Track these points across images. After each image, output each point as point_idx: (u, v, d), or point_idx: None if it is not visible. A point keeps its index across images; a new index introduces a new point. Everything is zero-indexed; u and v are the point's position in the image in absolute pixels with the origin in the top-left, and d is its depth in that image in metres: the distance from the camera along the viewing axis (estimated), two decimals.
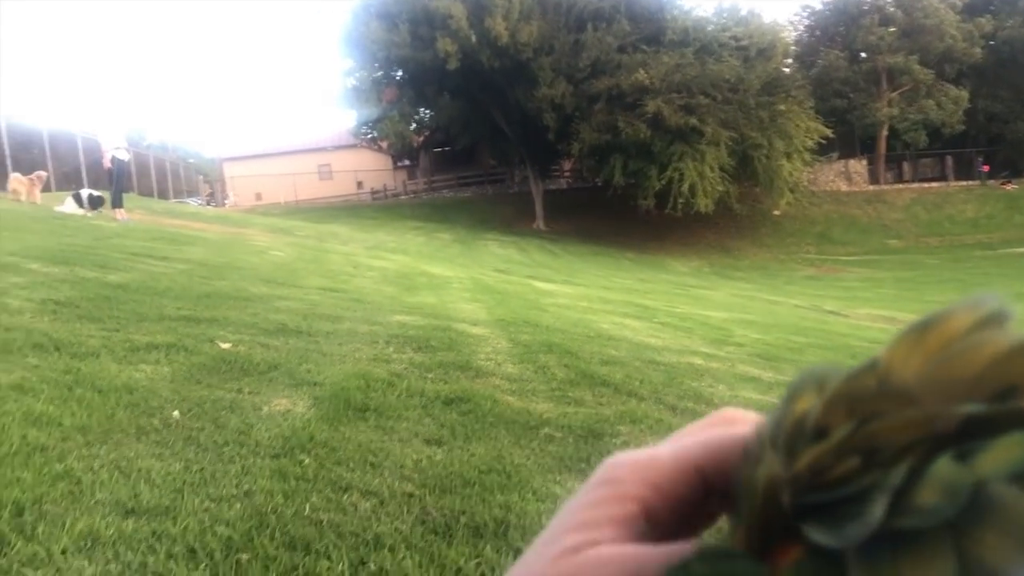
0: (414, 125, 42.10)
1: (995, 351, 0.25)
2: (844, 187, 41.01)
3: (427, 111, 41.52)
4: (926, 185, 41.30)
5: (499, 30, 31.12)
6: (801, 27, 43.84)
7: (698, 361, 5.76)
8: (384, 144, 44.00)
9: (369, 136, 42.55)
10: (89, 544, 1.91)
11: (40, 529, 1.94)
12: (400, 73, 37.15)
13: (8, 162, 22.24)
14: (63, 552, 1.85)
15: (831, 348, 7.84)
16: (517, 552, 2.14)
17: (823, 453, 0.27)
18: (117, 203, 14.59)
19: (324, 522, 2.21)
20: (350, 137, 45.89)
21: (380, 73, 37.24)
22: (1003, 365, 0.25)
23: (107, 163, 14.42)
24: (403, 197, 47.20)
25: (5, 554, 1.82)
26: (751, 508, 0.29)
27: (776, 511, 0.28)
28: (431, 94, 37.44)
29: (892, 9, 39.96)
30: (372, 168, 50.56)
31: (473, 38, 31.44)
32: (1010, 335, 0.26)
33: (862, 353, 7.67)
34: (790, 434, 0.29)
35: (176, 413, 2.98)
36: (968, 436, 0.24)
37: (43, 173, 16.86)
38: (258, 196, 48.68)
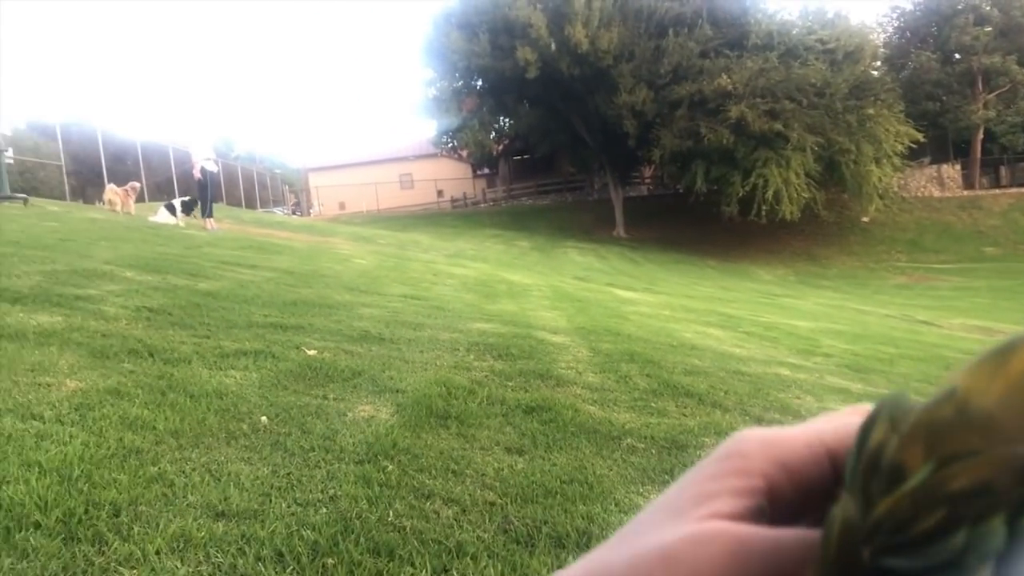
0: (494, 134, 42.41)
1: None
2: (937, 193, 39.59)
3: (507, 119, 41.77)
4: None
5: (579, 38, 31.10)
6: (890, 28, 42.55)
7: (785, 372, 5.62)
8: (464, 153, 44.43)
9: (449, 145, 43.03)
10: (182, 545, 1.96)
11: (136, 530, 2.00)
12: (480, 82, 37.46)
13: (104, 173, 23.20)
14: (157, 552, 1.91)
15: (924, 359, 7.56)
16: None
17: (903, 501, 0.24)
18: (207, 213, 15.09)
19: (407, 528, 2.22)
20: (431, 146, 46.49)
21: (460, 83, 37.63)
22: None
23: (197, 174, 14.94)
24: (482, 205, 47.55)
25: (103, 553, 1.88)
26: (826, 552, 0.27)
27: (854, 562, 0.25)
28: (511, 103, 37.66)
29: (988, 8, 38.43)
30: (452, 177, 51.09)
31: (553, 46, 31.51)
32: None
33: (956, 365, 7.38)
34: (866, 471, 0.27)
35: (264, 418, 3.05)
36: None
37: (136, 184, 17.50)
38: (341, 205, 49.71)
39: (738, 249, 33.20)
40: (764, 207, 29.65)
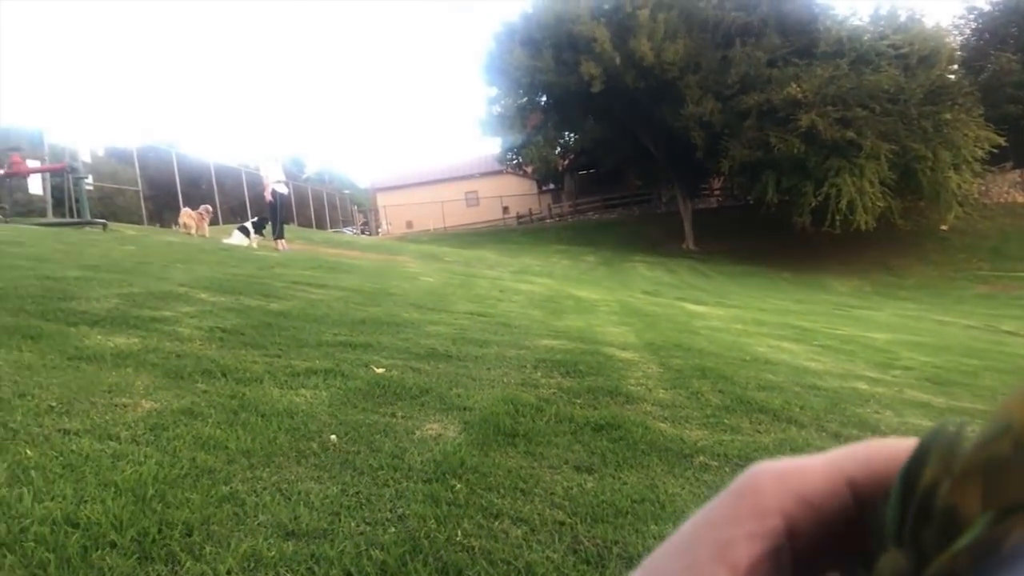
0: (559, 149, 42.43)
1: None
2: (1020, 198, 38.12)
3: (571, 134, 41.76)
4: None
5: (644, 51, 30.96)
6: (967, 30, 41.27)
7: (862, 386, 5.45)
8: (529, 169, 44.53)
9: (514, 162, 43.20)
10: (252, 565, 1.97)
11: (207, 549, 2.01)
12: (544, 98, 37.57)
13: (180, 197, 23.91)
14: (228, 572, 1.92)
15: (1010, 371, 7.26)
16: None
17: (961, 557, 0.23)
18: (279, 234, 15.41)
19: (476, 548, 2.20)
20: (495, 163, 46.78)
21: (524, 99, 37.79)
22: None
23: (268, 196, 15.28)
24: (548, 221, 47.55)
25: (176, 572, 1.90)
26: None
27: None
28: (575, 117, 37.67)
29: None
30: (517, 193, 51.27)
31: (617, 60, 31.42)
32: None
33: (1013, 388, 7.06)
34: (917, 519, 0.24)
35: (333, 437, 3.06)
36: None
37: (208, 207, 18.00)
38: (408, 224, 50.31)
39: (811, 260, 32.49)
40: (838, 217, 28.98)
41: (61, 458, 2.52)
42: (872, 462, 0.29)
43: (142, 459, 2.58)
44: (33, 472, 2.38)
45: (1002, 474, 0.22)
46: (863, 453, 0.30)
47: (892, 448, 0.29)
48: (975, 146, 29.71)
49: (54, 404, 3.10)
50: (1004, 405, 0.23)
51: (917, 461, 0.25)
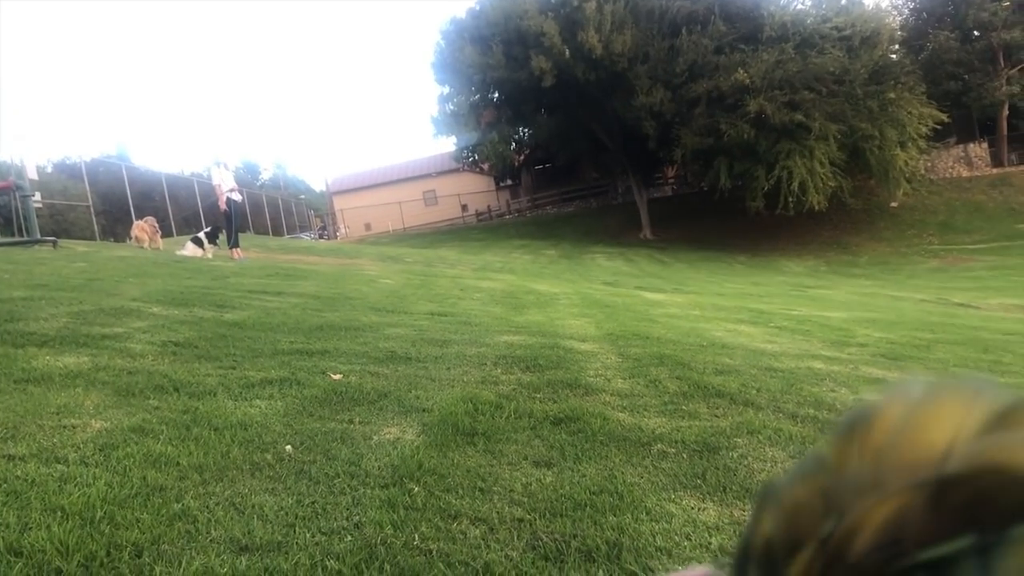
0: (514, 145, 42.45)
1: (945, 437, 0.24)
2: (965, 172, 38.95)
3: (526, 130, 41.82)
4: None
5: (592, 43, 31.10)
6: (906, 11, 42.04)
7: (818, 365, 5.52)
8: (486, 166, 44.55)
9: (470, 159, 43.15)
10: None
11: (158, 569, 1.97)
12: (497, 95, 37.59)
13: (132, 211, 23.52)
14: None
15: (962, 343, 7.40)
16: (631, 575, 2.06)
17: (814, 561, 0.25)
18: (234, 243, 15.23)
19: (433, 551, 2.18)
20: (452, 162, 46.73)
21: (477, 96, 37.77)
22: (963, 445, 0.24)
23: (223, 205, 15.10)
24: (507, 217, 47.62)
25: None
26: None
27: None
28: (529, 112, 37.73)
29: None
30: (475, 191, 51.22)
31: (567, 53, 31.53)
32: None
33: (995, 346, 7.22)
34: (763, 561, 0.26)
35: (289, 447, 3.02)
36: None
37: (151, 218, 17.71)
38: (367, 226, 50.02)
39: (767, 243, 32.92)
40: (790, 199, 29.40)
41: (5, 485, 2.46)
42: None
43: (90, 481, 2.53)
44: None
45: (830, 501, 0.25)
46: None
47: None
48: (919, 123, 30.35)
49: None
50: (817, 450, 0.27)
51: (753, 526, 0.28)
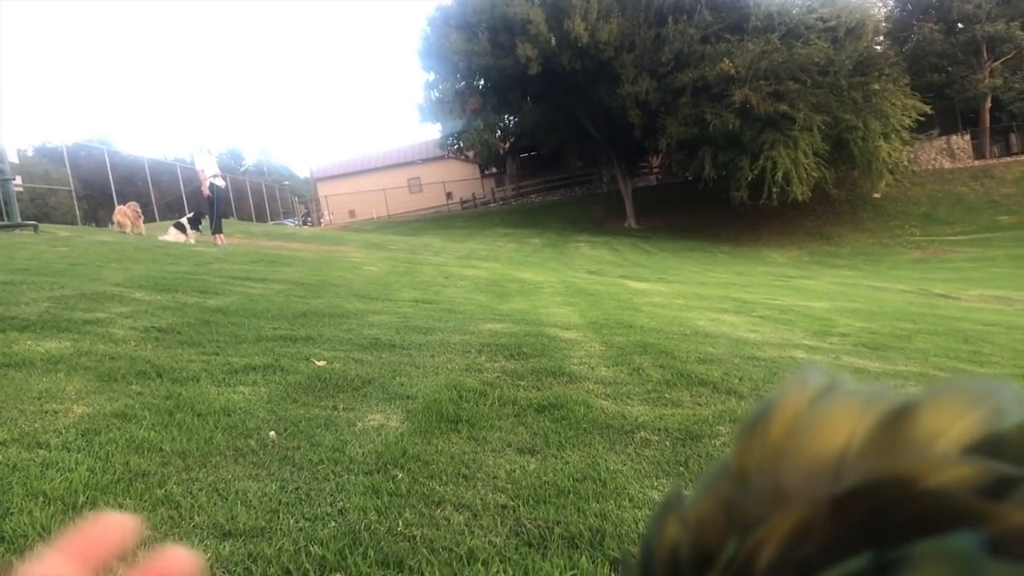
0: (499, 132, 42.30)
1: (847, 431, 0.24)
2: (948, 164, 39.19)
3: (511, 117, 41.69)
4: None
5: (578, 31, 31.03)
6: (891, 2, 42.16)
7: (800, 354, 5.56)
8: (471, 154, 44.39)
9: (455, 147, 42.99)
10: None
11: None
12: (482, 82, 37.45)
13: (114, 195, 23.33)
14: None
15: (942, 333, 7.46)
16: (613, 563, 2.07)
17: None
18: (217, 228, 15.14)
19: (417, 537, 2.19)
20: (437, 149, 46.50)
21: (462, 83, 37.62)
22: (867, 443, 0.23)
23: (206, 191, 14.99)
24: (492, 205, 47.54)
25: None
26: None
27: None
28: (514, 100, 37.62)
29: None
30: (460, 178, 51.07)
31: (553, 41, 31.45)
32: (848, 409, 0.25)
33: (975, 336, 7.29)
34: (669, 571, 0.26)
35: (272, 433, 3.02)
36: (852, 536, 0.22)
37: (134, 203, 17.58)
38: (351, 213, 49.81)
39: (751, 233, 33.05)
40: (774, 189, 29.50)
41: None
42: None
43: (73, 466, 2.52)
44: None
45: (735, 508, 0.24)
46: None
47: None
48: (903, 115, 30.49)
49: None
50: (724, 457, 0.26)
51: (655, 534, 0.27)
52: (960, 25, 38.76)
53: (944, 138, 39.78)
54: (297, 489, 2.50)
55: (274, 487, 2.49)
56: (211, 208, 15.22)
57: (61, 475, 2.43)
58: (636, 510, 2.44)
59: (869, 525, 0.21)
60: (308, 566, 1.97)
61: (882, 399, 0.24)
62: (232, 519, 2.22)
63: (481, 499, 2.49)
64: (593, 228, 35.14)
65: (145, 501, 2.30)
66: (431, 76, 38.18)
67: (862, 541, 0.21)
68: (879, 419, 0.23)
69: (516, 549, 2.14)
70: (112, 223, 17.66)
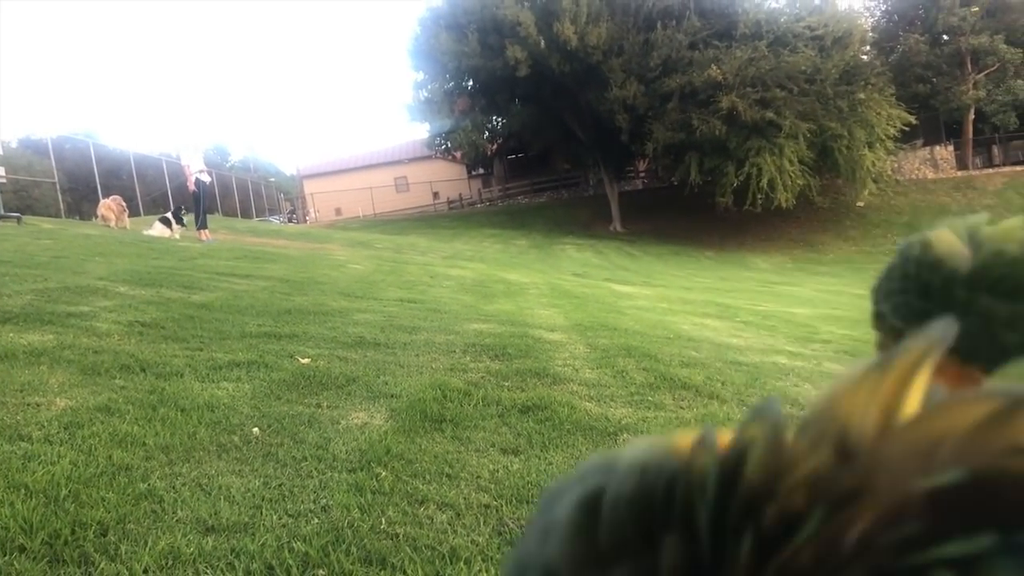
0: (487, 133, 42.25)
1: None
2: (931, 174, 39.49)
3: (499, 119, 41.64)
4: (1018, 168, 39.22)
5: (568, 34, 31.06)
6: (878, 12, 42.46)
7: (782, 360, 5.60)
8: (458, 154, 44.34)
9: (443, 147, 42.91)
10: (170, 562, 1.94)
11: (123, 549, 1.97)
12: (471, 83, 37.42)
13: (99, 189, 23.16)
14: (144, 571, 1.88)
15: None
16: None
17: (802, 551, 0.21)
18: (202, 224, 15.07)
19: (400, 536, 2.20)
20: (424, 149, 46.40)
21: (451, 84, 37.59)
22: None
23: (191, 186, 14.91)
24: (479, 206, 47.48)
25: (89, 574, 1.85)
26: None
27: None
28: (502, 102, 37.59)
29: None
30: (447, 178, 50.99)
31: (542, 44, 31.47)
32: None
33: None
34: (739, 515, 0.23)
35: (256, 430, 3.02)
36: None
37: (118, 197, 17.46)
38: (337, 211, 49.65)
39: (735, 239, 33.18)
40: (759, 196, 29.62)
41: None
42: None
43: (55, 459, 2.51)
44: None
45: (827, 473, 0.22)
46: None
47: None
48: (888, 124, 30.71)
49: None
50: (821, 394, 0.24)
51: (734, 460, 0.24)
52: (945, 37, 39.07)
53: (928, 148, 40.08)
54: (280, 485, 2.50)
55: (257, 483, 2.50)
56: (197, 203, 15.14)
57: (43, 468, 2.42)
58: None
59: (983, 511, 0.20)
60: (291, 562, 1.98)
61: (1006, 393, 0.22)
62: (215, 514, 2.22)
63: (464, 498, 2.51)
64: (579, 231, 35.20)
65: (128, 495, 2.29)
66: (420, 76, 38.14)
67: (981, 523, 0.20)
68: (995, 410, 0.21)
69: (499, 548, 2.16)
70: (96, 216, 17.52)
